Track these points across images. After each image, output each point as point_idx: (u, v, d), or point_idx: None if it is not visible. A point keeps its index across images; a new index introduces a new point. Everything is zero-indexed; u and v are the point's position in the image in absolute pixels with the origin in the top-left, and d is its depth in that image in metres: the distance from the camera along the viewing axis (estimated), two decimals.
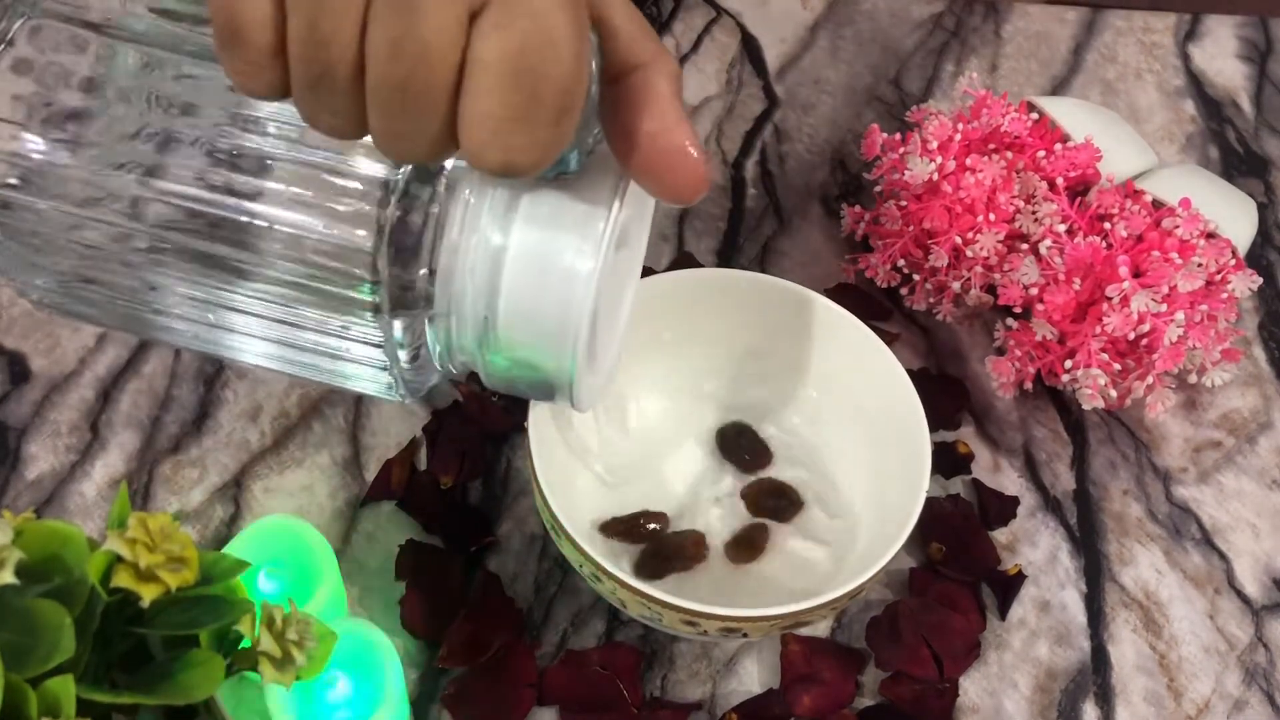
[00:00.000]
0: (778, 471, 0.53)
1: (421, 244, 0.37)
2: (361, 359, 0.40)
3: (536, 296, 0.36)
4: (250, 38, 0.31)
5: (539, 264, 0.36)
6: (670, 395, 0.55)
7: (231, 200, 0.37)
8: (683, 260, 0.63)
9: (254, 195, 0.38)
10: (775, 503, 0.52)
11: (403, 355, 0.39)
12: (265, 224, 0.37)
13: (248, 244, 0.38)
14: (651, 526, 0.51)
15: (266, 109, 0.38)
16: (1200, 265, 0.53)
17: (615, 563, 0.45)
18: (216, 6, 0.31)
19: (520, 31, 0.30)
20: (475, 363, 0.39)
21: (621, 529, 0.51)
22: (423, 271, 0.37)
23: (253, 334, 0.40)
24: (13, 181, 0.38)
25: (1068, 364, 0.54)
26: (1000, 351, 0.58)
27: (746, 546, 0.51)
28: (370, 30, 0.30)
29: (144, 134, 0.38)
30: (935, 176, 0.57)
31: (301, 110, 0.32)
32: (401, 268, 0.37)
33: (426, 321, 0.38)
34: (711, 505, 0.52)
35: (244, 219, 0.37)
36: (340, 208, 0.37)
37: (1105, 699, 0.51)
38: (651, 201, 0.42)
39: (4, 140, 0.38)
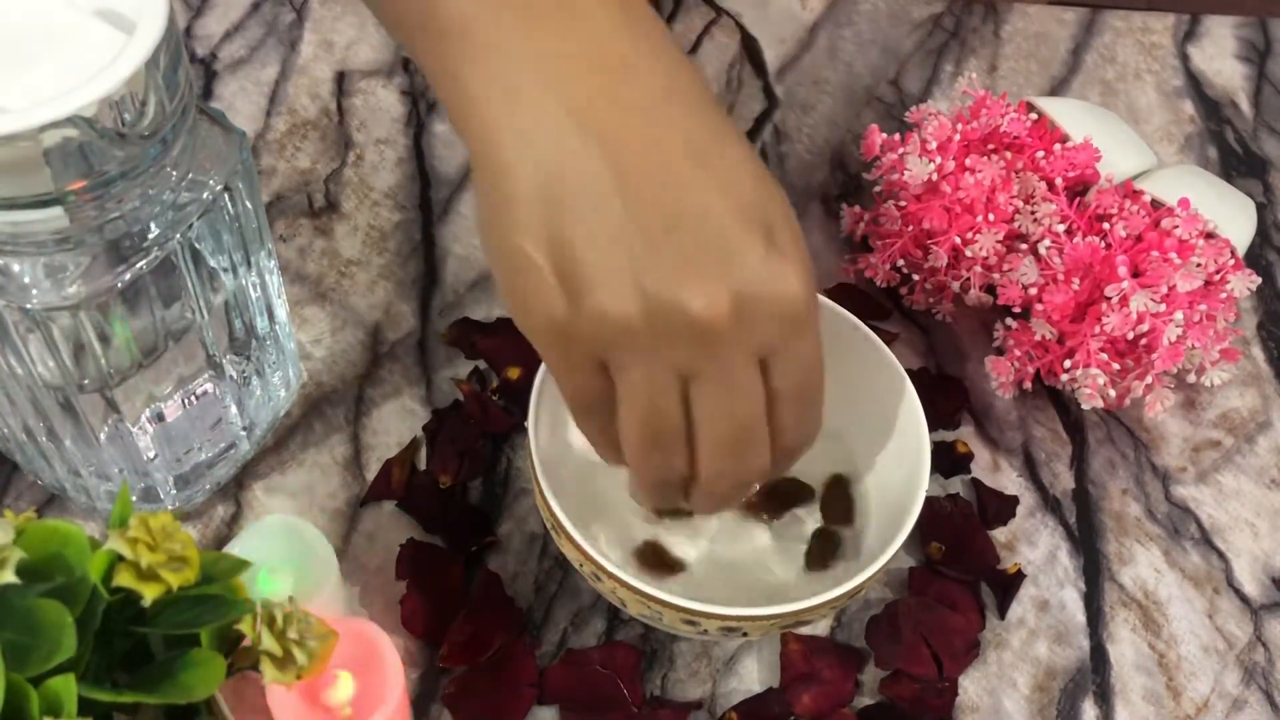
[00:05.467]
0: None
1: None
2: None
3: None
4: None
5: None
6: None
7: None
8: None
9: None
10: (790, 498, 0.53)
11: None
12: None
13: None
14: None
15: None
16: (1199, 265, 0.54)
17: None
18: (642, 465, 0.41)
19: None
20: None
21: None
22: None
23: None
24: None
25: (1067, 364, 0.54)
26: (1000, 351, 0.58)
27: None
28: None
29: None
30: (934, 177, 0.57)
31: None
32: None
33: None
34: None
35: None
36: None
37: (1104, 698, 0.51)
38: None
39: None
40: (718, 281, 0.36)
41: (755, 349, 0.38)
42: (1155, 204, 0.57)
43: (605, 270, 0.36)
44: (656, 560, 0.51)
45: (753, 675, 0.50)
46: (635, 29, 0.38)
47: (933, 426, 0.49)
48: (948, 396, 0.59)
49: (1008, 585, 0.53)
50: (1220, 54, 0.76)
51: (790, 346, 0.39)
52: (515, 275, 0.38)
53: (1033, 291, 0.55)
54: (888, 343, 0.51)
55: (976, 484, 0.56)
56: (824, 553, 0.51)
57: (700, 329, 0.37)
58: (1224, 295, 0.55)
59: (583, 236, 0.36)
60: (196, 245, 0.44)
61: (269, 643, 0.34)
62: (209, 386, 0.49)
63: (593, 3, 0.38)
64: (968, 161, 0.57)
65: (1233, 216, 0.59)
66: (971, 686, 0.51)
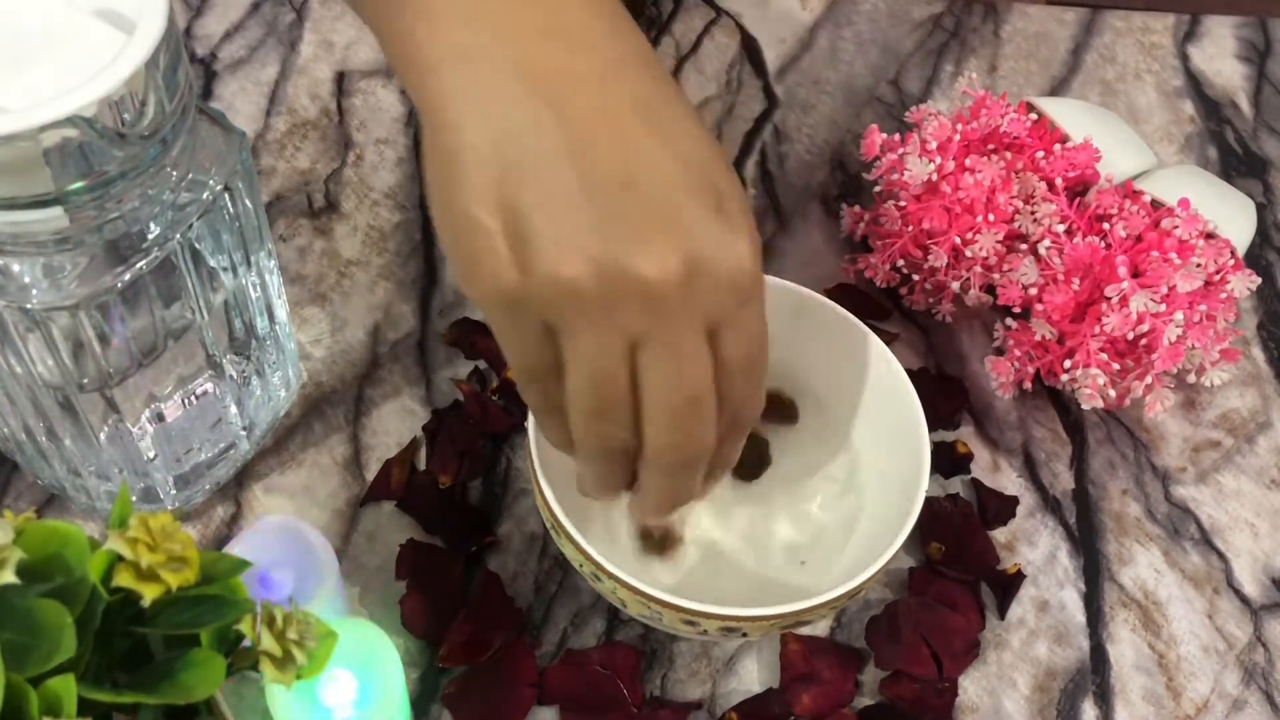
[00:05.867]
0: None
1: None
2: None
3: None
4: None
5: None
6: None
7: None
8: None
9: None
10: (770, 414, 0.53)
11: None
12: None
13: None
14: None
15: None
16: (1199, 265, 0.54)
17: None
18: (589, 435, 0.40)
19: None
20: None
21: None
22: None
23: None
24: None
25: (1067, 364, 0.54)
26: (999, 351, 0.58)
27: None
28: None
29: None
30: (934, 177, 0.57)
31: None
32: None
33: None
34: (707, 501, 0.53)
35: None
36: None
37: (1104, 698, 0.51)
38: None
39: None
40: (668, 245, 0.36)
41: (704, 317, 0.38)
42: (1155, 204, 0.57)
43: (556, 234, 0.36)
44: (659, 540, 0.51)
45: (753, 675, 0.50)
46: None
47: (933, 426, 0.49)
48: (948, 396, 0.59)
49: (1008, 585, 0.53)
50: (1220, 54, 0.76)
51: (738, 317, 0.38)
52: (465, 239, 0.37)
53: (1033, 291, 0.55)
54: (888, 343, 0.51)
55: (976, 484, 0.56)
56: (752, 461, 0.53)
57: (651, 292, 0.36)
58: (1224, 295, 0.55)
59: (534, 201, 0.36)
60: (196, 245, 0.44)
61: (269, 643, 0.34)
62: (209, 386, 0.49)
63: None
64: (968, 162, 0.57)
65: (1233, 216, 0.59)
66: (971, 686, 0.51)
